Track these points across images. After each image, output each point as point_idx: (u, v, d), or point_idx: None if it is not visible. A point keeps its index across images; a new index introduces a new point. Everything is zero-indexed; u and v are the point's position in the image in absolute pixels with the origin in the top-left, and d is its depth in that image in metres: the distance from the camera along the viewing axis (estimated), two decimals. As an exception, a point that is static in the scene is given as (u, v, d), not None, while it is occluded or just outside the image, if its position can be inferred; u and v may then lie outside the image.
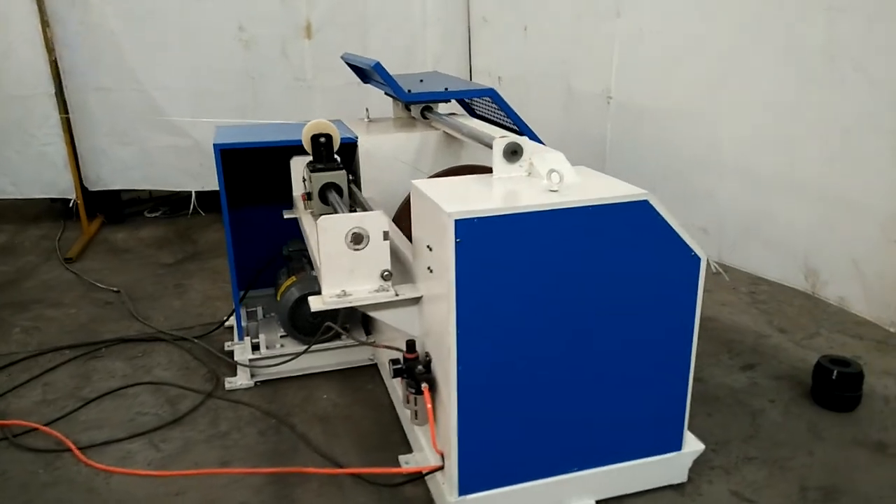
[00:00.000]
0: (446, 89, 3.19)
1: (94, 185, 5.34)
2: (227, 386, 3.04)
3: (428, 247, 2.09)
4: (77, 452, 2.58)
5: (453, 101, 3.42)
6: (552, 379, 2.11)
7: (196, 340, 3.42)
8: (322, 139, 2.61)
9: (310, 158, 2.73)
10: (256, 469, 2.48)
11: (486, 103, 3.37)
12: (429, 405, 2.11)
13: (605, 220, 2.01)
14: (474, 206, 1.90)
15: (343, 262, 2.17)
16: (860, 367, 2.85)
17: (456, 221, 1.87)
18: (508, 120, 3.13)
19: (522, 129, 3.25)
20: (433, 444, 2.15)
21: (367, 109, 3.50)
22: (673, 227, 2.07)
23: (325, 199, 2.61)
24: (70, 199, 5.26)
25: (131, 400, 2.98)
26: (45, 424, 2.77)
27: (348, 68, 3.88)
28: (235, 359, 3.10)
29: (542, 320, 2.04)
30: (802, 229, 2.94)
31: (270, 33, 5.22)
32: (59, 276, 4.46)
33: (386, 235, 2.19)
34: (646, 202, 2.02)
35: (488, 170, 2.25)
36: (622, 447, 2.27)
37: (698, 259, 2.13)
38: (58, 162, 5.15)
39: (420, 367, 2.16)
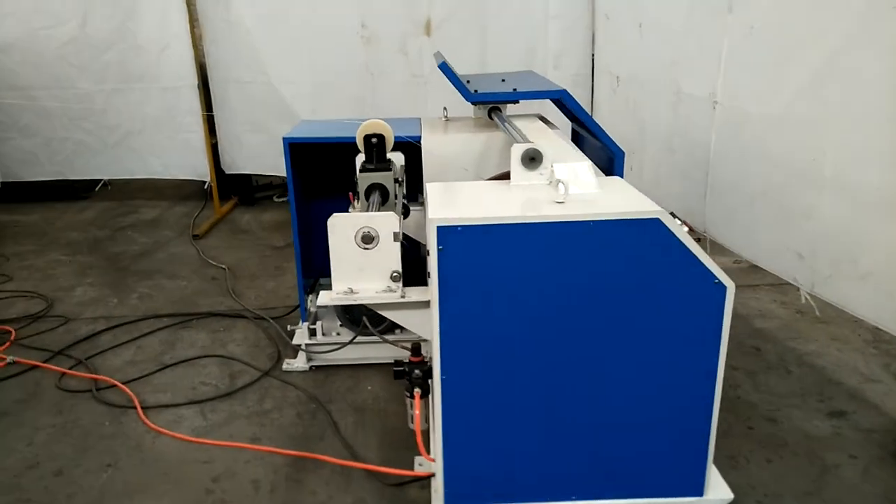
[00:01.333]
0: (514, 90, 3.10)
1: (230, 169, 5.84)
2: (285, 367, 3.20)
3: (428, 251, 2.05)
4: (139, 411, 2.86)
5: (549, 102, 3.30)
6: (548, 400, 2.00)
7: (272, 321, 3.63)
8: (374, 139, 2.65)
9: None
10: (279, 449, 2.59)
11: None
12: (416, 411, 2.08)
13: (610, 238, 1.85)
14: (461, 214, 1.84)
15: (353, 261, 2.19)
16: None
17: (438, 228, 1.82)
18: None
19: (597, 133, 3.09)
20: (420, 449, 2.12)
21: (444, 108, 3.49)
22: (691, 250, 1.86)
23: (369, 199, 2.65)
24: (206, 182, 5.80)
25: (200, 370, 3.24)
26: (125, 382, 3.09)
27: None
28: (294, 342, 3.25)
29: (536, 337, 1.93)
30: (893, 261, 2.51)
31: (391, 30, 5.38)
32: (184, 251, 4.93)
33: (396, 237, 2.18)
34: (657, 220, 1.83)
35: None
36: (631, 482, 2.09)
37: (723, 287, 1.90)
38: (198, 147, 5.68)
39: (418, 371, 2.14)
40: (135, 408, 2.89)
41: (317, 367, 3.21)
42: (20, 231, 5.45)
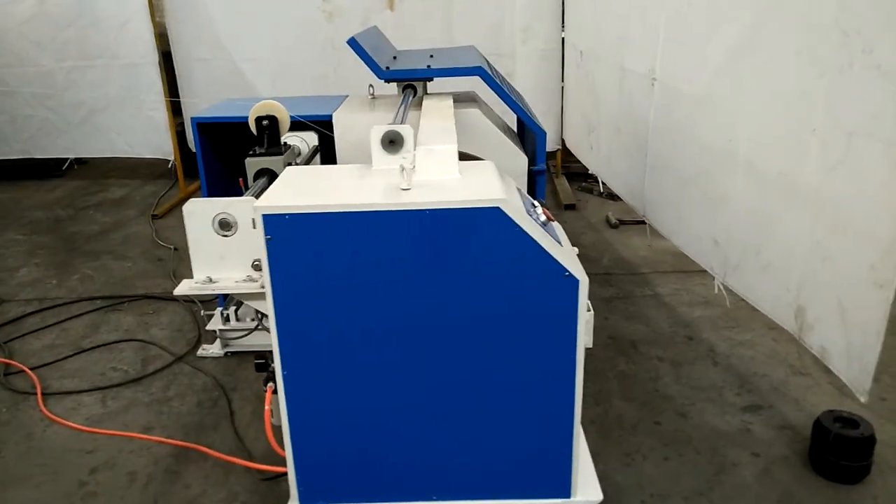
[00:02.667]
0: (428, 67, 2.96)
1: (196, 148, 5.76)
2: (199, 353, 3.15)
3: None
4: (39, 398, 2.83)
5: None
6: (398, 397, 1.90)
7: (200, 304, 3.58)
8: (264, 122, 2.54)
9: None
10: (166, 439, 2.54)
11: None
12: (267, 406, 2.00)
13: (449, 227, 1.73)
14: (291, 202, 1.73)
15: (212, 248, 2.10)
16: (871, 431, 2.25)
17: (264, 217, 1.72)
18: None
19: (517, 112, 2.95)
20: (273, 445, 2.05)
21: (371, 86, 3.36)
22: (537, 241, 1.73)
23: (259, 183, 2.56)
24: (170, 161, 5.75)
25: (115, 354, 3.20)
26: (35, 368, 3.06)
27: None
28: (208, 327, 3.19)
29: (379, 332, 1.83)
30: (799, 253, 2.35)
31: (354, 4, 5.24)
32: (140, 231, 4.90)
33: (256, 224, 2.08)
34: (497, 210, 1.71)
35: (464, 157, 2.05)
36: (494, 482, 1.99)
37: (575, 281, 1.77)
38: (162, 126, 5.62)
39: (273, 365, 2.05)
40: (36, 394, 2.86)
41: (233, 353, 3.15)
42: (-16, 210, 5.47)
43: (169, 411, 2.74)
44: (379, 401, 1.90)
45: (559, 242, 1.83)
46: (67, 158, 6.12)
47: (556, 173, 5.76)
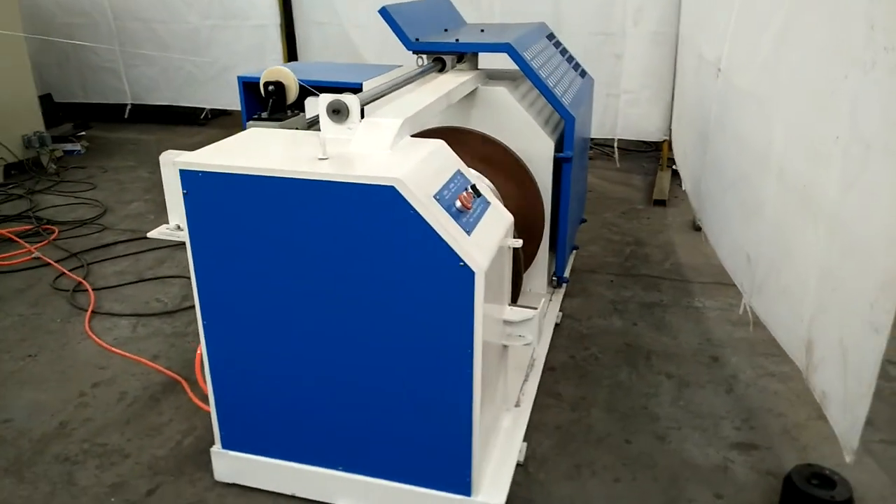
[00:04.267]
0: (456, 41, 2.89)
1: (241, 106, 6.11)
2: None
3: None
4: (87, 315, 3.21)
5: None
6: (305, 363, 1.93)
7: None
8: (270, 87, 2.63)
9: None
10: (163, 369, 2.78)
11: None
12: (199, 350, 2.12)
13: (344, 202, 1.72)
14: (208, 160, 1.80)
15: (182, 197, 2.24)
16: (848, 495, 1.92)
17: (181, 172, 1.81)
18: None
19: (544, 94, 2.81)
20: (204, 389, 2.17)
21: (419, 58, 3.35)
22: (431, 225, 1.67)
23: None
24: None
25: (165, 288, 3.53)
26: (97, 289, 3.47)
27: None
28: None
29: (281, 295, 1.86)
30: (813, 279, 2.03)
31: (464, -25, 5.19)
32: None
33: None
34: (392, 189, 1.66)
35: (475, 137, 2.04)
36: (398, 466, 1.97)
37: (470, 273, 1.68)
38: (281, 85, 5.97)
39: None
40: (87, 311, 3.24)
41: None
42: (133, 148, 6.19)
43: (180, 345, 2.99)
44: (285, 362, 1.95)
45: (466, 231, 1.74)
46: (204, 109, 6.74)
47: (660, 166, 5.37)
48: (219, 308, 1.94)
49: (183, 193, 1.83)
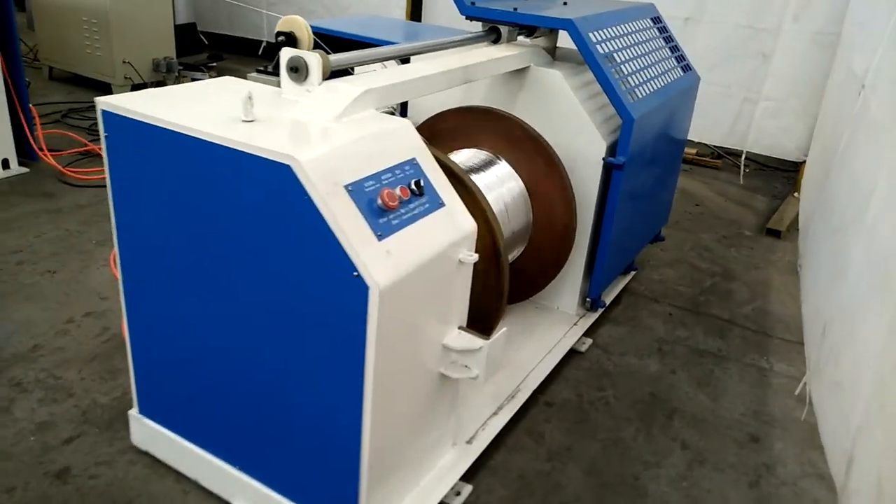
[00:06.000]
0: (514, 10, 2.49)
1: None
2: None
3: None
4: (121, 242, 3.23)
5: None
6: (207, 339, 1.72)
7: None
8: (280, 38, 2.40)
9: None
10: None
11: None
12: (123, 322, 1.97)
13: (244, 177, 1.46)
14: (129, 104, 1.61)
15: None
16: None
17: (102, 112, 1.64)
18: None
19: (603, 85, 2.38)
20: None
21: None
22: (326, 220, 1.37)
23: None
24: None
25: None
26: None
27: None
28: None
29: (186, 260, 1.66)
30: (866, 382, 1.50)
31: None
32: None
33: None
34: (287, 169, 1.38)
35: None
36: (286, 479, 1.73)
37: (363, 287, 1.37)
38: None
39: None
40: (123, 238, 3.28)
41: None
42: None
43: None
44: (190, 335, 1.76)
45: (377, 234, 1.42)
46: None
47: (793, 191, 4.59)
48: (134, 261, 1.78)
49: (104, 136, 1.66)
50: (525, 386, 2.30)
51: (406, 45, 2.21)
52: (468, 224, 1.66)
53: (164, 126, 1.54)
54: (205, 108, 1.64)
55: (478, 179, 2.31)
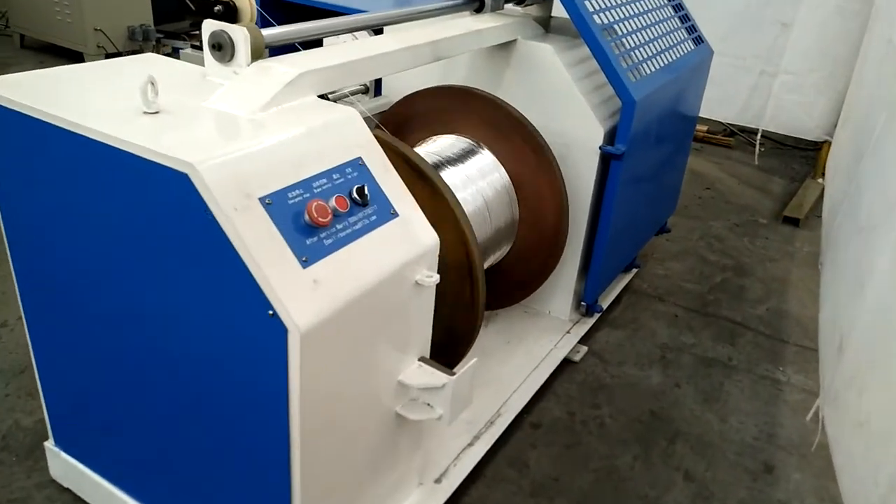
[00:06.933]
0: (500, -26, 2.16)
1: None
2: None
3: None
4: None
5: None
6: (115, 370, 1.44)
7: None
8: (217, 7, 2.06)
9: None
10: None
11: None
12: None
13: (139, 185, 1.17)
14: (14, 93, 1.31)
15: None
16: None
17: (-16, 102, 1.34)
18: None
19: (600, 61, 2.05)
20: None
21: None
22: (230, 241, 1.07)
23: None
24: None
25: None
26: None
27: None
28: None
29: (81, 275, 1.37)
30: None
31: None
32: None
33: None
34: (184, 178, 1.08)
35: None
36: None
37: (281, 329, 1.08)
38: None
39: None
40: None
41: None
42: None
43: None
44: (95, 363, 1.48)
45: (302, 259, 1.13)
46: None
47: (813, 173, 4.24)
48: (29, 276, 1.50)
49: (-14, 128, 1.36)
50: (508, 408, 2.02)
51: (369, 15, 1.88)
52: (428, 237, 1.36)
53: (47, 120, 1.24)
54: (106, 97, 1.34)
55: (455, 172, 2.01)
